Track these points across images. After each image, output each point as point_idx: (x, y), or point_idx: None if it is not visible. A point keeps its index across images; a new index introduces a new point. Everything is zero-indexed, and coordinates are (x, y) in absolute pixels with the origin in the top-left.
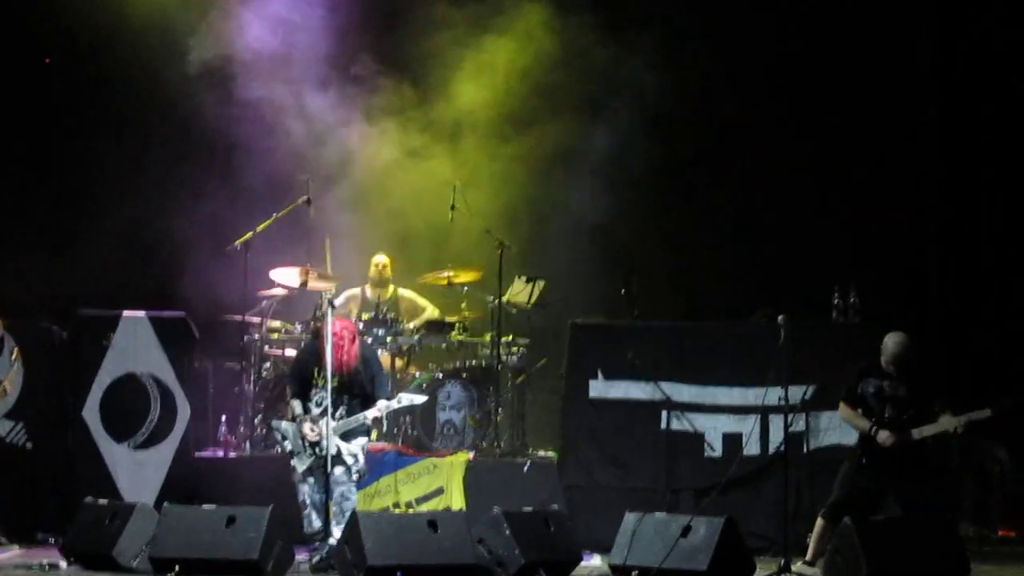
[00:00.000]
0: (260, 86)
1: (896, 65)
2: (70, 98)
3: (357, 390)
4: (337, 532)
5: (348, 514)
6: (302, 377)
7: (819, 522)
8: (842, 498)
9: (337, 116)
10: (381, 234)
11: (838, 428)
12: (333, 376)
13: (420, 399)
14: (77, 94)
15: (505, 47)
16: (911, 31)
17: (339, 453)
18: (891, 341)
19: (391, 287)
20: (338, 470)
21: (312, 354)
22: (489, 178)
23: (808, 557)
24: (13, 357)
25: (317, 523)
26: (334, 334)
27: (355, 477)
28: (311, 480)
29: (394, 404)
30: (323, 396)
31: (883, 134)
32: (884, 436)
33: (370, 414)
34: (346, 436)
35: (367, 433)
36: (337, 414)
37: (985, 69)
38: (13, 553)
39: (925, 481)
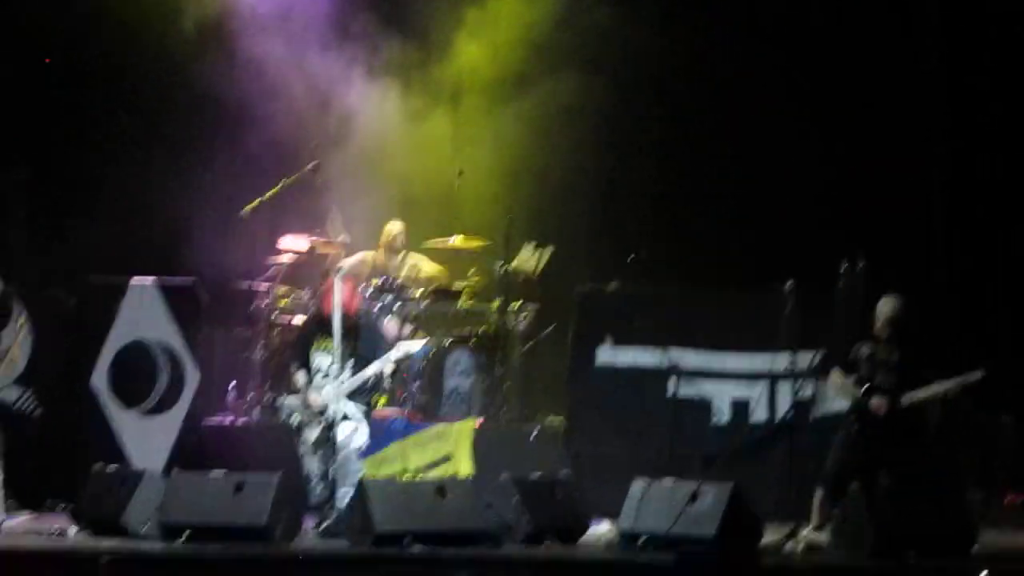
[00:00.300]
0: (260, 46)
1: (901, 35)
2: (72, 66)
3: (361, 353)
4: (344, 498)
5: (353, 480)
6: (305, 347)
7: (817, 492)
8: (837, 466)
9: (339, 77)
10: (387, 197)
11: None
12: (337, 339)
13: (418, 344)
14: (79, 62)
15: (508, 5)
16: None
17: (344, 415)
18: (885, 305)
19: (403, 253)
20: (344, 431)
21: (313, 321)
22: (493, 138)
23: (814, 524)
24: (19, 324)
25: (325, 494)
26: (328, 292)
27: (360, 440)
28: (320, 453)
29: (393, 354)
30: (324, 360)
31: (890, 104)
32: (876, 402)
33: (372, 368)
34: (352, 399)
35: (370, 402)
36: (341, 377)
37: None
38: (23, 519)
39: (922, 448)
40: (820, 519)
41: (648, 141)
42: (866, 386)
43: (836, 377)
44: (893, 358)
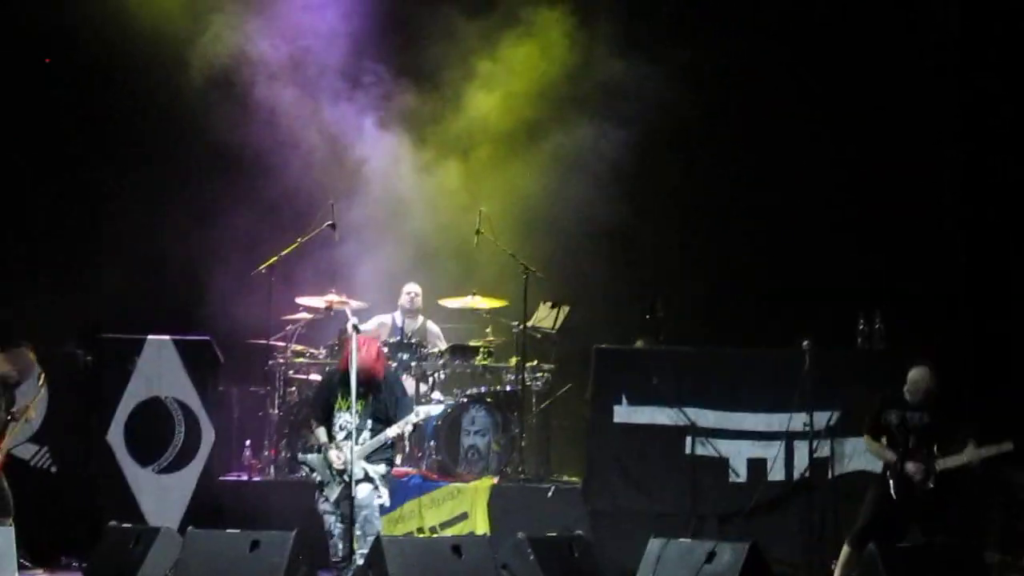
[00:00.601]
0: (273, 98)
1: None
2: (86, 119)
3: (381, 414)
4: (361, 556)
5: (372, 538)
6: (325, 404)
7: (845, 548)
8: (868, 524)
9: (352, 128)
10: (403, 254)
11: (863, 454)
12: (358, 398)
13: (437, 409)
14: (94, 114)
15: (521, 56)
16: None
17: (365, 475)
18: (916, 374)
19: (421, 318)
20: (364, 490)
21: (335, 379)
22: (507, 190)
23: None
24: (40, 382)
25: (344, 551)
26: (357, 350)
27: (380, 500)
28: (340, 512)
29: (412, 418)
30: (347, 420)
31: (910, 156)
32: (912, 468)
33: (392, 431)
34: (371, 458)
35: (391, 460)
36: (361, 438)
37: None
38: None
39: (950, 509)
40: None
41: (664, 192)
42: (900, 451)
43: (869, 443)
44: (924, 422)
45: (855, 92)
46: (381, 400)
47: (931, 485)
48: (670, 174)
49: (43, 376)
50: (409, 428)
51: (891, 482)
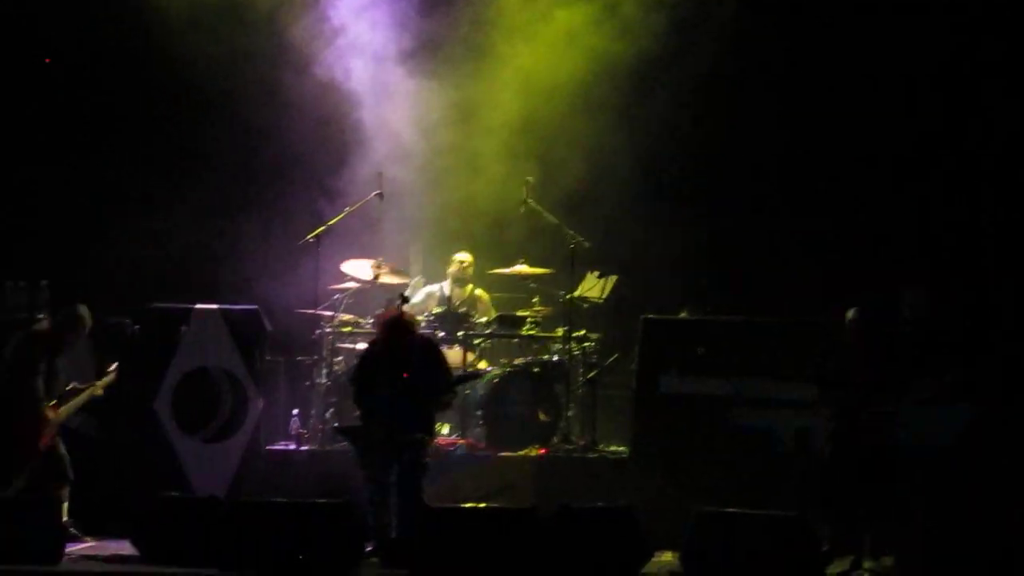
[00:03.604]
0: (318, 66)
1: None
2: (130, 91)
3: (421, 384)
4: (403, 527)
5: (415, 509)
6: (366, 377)
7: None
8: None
9: (400, 97)
10: (451, 223)
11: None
12: (396, 370)
13: (478, 374)
14: (140, 86)
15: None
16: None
17: (407, 443)
18: (854, 314)
19: (470, 286)
20: (406, 461)
21: (375, 349)
22: (556, 160)
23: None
24: (112, 368)
25: (385, 521)
26: (391, 327)
27: (422, 470)
28: (380, 479)
29: (450, 396)
30: (387, 391)
31: (956, 127)
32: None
33: (435, 401)
34: (412, 428)
35: (432, 430)
36: (401, 408)
37: None
38: (85, 546)
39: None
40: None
41: (709, 161)
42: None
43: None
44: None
45: (905, 59)
46: (420, 371)
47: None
48: (715, 143)
49: (89, 343)
50: (451, 397)
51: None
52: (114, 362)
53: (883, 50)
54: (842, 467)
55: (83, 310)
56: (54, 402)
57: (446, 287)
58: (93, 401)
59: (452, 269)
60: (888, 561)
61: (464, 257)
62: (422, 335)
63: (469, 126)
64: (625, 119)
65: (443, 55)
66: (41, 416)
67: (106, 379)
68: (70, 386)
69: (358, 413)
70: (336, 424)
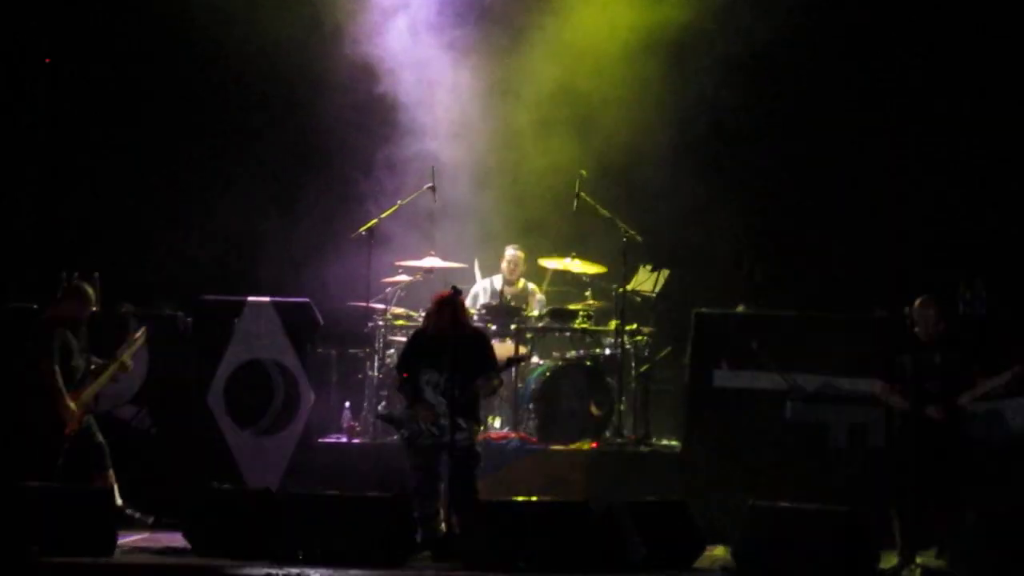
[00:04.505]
0: (373, 57)
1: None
2: (184, 86)
3: (467, 372)
4: (453, 517)
5: (465, 499)
6: (412, 361)
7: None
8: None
9: (451, 90)
10: (503, 217)
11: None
12: (445, 354)
13: (523, 358)
14: (192, 80)
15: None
16: None
17: (456, 431)
18: (925, 313)
19: (521, 280)
20: (456, 451)
21: (422, 337)
22: (608, 154)
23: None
24: (138, 334)
25: (432, 509)
26: (446, 304)
27: (471, 460)
28: (428, 468)
29: (493, 382)
30: (434, 377)
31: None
32: (933, 410)
33: (480, 386)
34: (459, 417)
35: (479, 419)
36: (447, 396)
37: None
38: (139, 537)
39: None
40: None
41: (763, 153)
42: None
43: (881, 389)
44: (938, 362)
45: (969, 49)
46: (470, 358)
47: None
48: (771, 134)
49: (143, 332)
50: (495, 385)
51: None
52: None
53: (943, 33)
54: (912, 461)
55: (82, 284)
56: (74, 388)
57: (497, 281)
58: (147, 394)
59: (503, 266)
60: (938, 555)
61: (513, 253)
62: (475, 326)
63: (521, 117)
64: (677, 113)
65: (494, 41)
66: (62, 399)
67: (131, 348)
68: (92, 366)
69: (408, 396)
70: (381, 413)
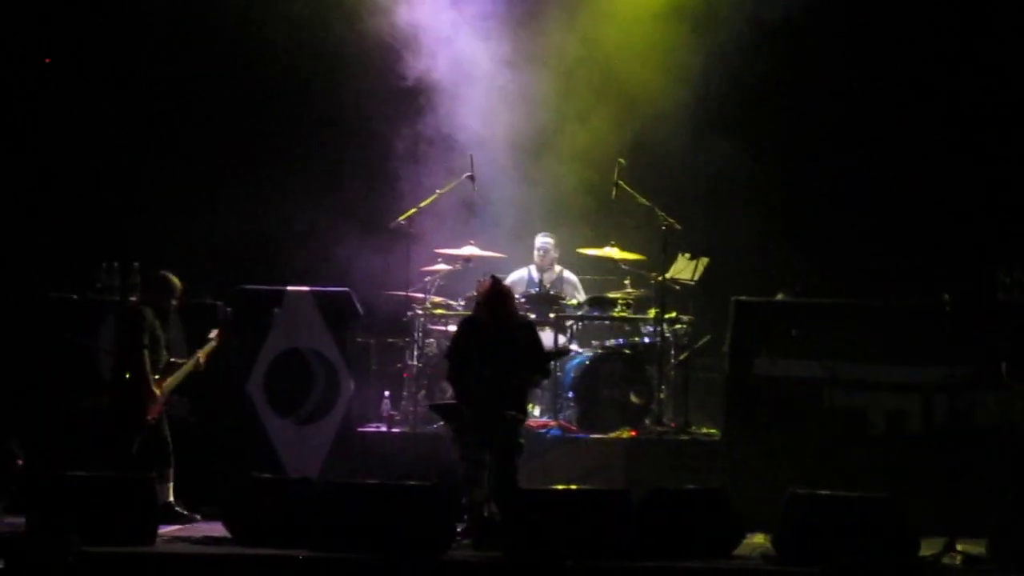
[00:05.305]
0: (409, 44)
1: None
2: (220, 75)
3: (514, 362)
4: (496, 506)
5: (509, 488)
6: (460, 352)
7: None
8: None
9: (489, 78)
10: (541, 204)
11: (1003, 408)
12: (492, 345)
13: (565, 351)
14: (230, 69)
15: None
16: None
17: (502, 421)
18: None
19: (557, 268)
20: (501, 439)
21: (469, 327)
22: (646, 141)
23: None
24: (213, 335)
25: (478, 499)
26: (496, 294)
27: (516, 449)
28: (474, 459)
29: (540, 376)
30: (483, 367)
31: None
32: None
33: (528, 380)
34: (508, 407)
35: (526, 408)
36: (494, 387)
37: None
38: (178, 527)
39: None
40: None
41: (802, 142)
42: None
43: None
44: None
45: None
46: (514, 348)
47: None
48: (809, 124)
49: (218, 331)
50: (541, 377)
51: None
52: (212, 333)
53: (978, 12)
54: (961, 447)
55: (170, 275)
56: (158, 376)
57: (533, 270)
58: (187, 382)
59: (535, 255)
60: (979, 543)
61: (545, 242)
62: (524, 316)
63: (562, 105)
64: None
65: (535, 28)
66: (149, 390)
67: (208, 347)
68: (171, 360)
69: (451, 393)
70: (429, 403)
